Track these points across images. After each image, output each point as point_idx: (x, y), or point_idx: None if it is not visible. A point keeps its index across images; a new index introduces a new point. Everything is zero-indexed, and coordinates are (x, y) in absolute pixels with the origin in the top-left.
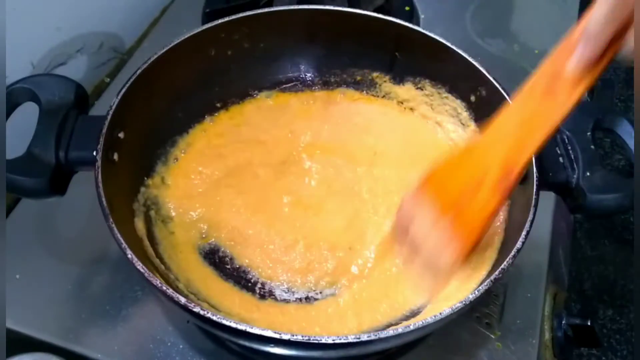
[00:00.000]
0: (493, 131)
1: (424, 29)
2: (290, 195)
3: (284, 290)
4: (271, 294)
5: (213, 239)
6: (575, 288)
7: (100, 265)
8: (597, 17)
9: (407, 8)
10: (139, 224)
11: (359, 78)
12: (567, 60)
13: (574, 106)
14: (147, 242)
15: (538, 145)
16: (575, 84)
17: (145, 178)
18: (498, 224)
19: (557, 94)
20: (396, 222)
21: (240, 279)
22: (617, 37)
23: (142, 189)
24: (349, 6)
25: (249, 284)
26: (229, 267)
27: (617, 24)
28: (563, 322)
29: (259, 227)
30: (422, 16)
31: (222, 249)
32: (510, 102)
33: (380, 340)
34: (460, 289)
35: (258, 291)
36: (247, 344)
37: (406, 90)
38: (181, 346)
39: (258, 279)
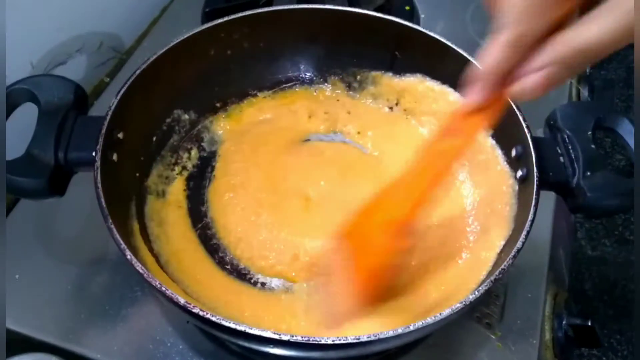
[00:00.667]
0: (401, 179)
1: (424, 28)
2: (294, 193)
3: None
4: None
5: (214, 239)
6: (576, 288)
7: (99, 265)
8: (490, 61)
9: (407, 7)
10: (136, 225)
11: (359, 77)
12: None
13: (475, 134)
14: (141, 239)
15: (441, 181)
16: (470, 121)
17: (145, 178)
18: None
19: (459, 133)
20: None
21: (241, 275)
22: (508, 80)
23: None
24: (349, 5)
25: (250, 281)
26: (228, 267)
27: (511, 64)
28: (563, 322)
29: (263, 229)
30: (422, 15)
31: (222, 248)
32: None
33: (379, 340)
34: (460, 289)
35: (258, 286)
36: (246, 344)
37: (405, 88)
38: (181, 346)
39: (258, 277)
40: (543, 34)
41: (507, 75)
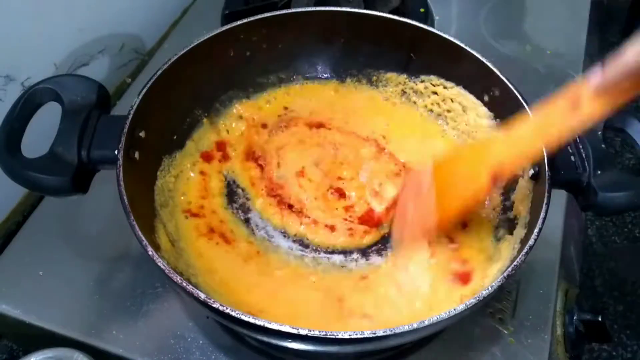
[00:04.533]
0: (506, 135)
1: (438, 31)
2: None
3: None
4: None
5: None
6: (587, 284)
7: (121, 262)
8: (626, 57)
9: (422, 10)
10: (158, 222)
11: (374, 78)
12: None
13: (588, 122)
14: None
15: (538, 152)
16: (594, 103)
17: (166, 175)
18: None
19: (577, 110)
20: (399, 192)
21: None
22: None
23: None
24: (365, 8)
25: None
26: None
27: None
28: (574, 317)
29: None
30: (436, 18)
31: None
32: (530, 109)
33: (395, 335)
34: (475, 285)
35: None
36: (265, 338)
37: (420, 89)
38: (201, 341)
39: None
40: None
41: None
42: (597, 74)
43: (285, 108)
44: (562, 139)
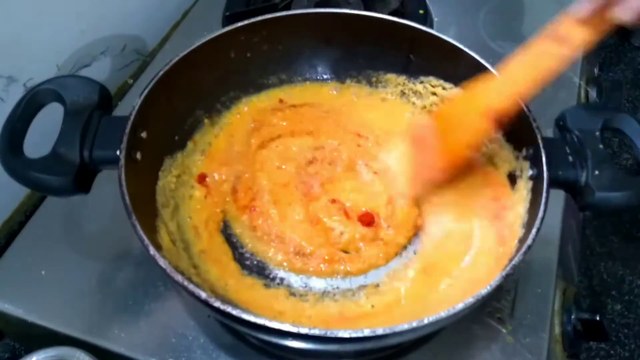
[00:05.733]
0: (498, 76)
1: (437, 32)
2: (316, 186)
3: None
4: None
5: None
6: (584, 284)
7: (123, 261)
8: None
9: (421, 11)
10: (159, 221)
11: (374, 79)
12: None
13: (574, 51)
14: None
15: (537, 87)
16: (578, 32)
17: (167, 176)
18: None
19: (565, 40)
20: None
21: (261, 272)
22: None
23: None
24: (365, 9)
25: (269, 279)
26: (248, 262)
27: None
28: (572, 316)
29: (281, 223)
30: (435, 19)
31: (242, 245)
32: (516, 54)
33: (395, 334)
34: (475, 283)
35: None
36: (265, 337)
37: (420, 90)
38: (202, 340)
39: (276, 273)
40: None
41: None
42: (580, 5)
43: (284, 106)
44: (552, 73)
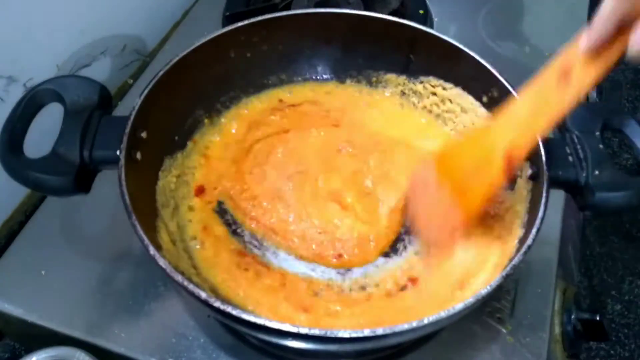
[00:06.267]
0: (506, 116)
1: (437, 32)
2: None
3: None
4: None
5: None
6: (584, 284)
7: (123, 261)
8: (605, 6)
9: (421, 11)
10: (160, 221)
11: (374, 79)
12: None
13: (584, 91)
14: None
15: (545, 128)
16: (586, 70)
17: (167, 175)
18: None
19: (570, 80)
20: (407, 192)
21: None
22: (625, 29)
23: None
24: (365, 9)
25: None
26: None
27: (622, 13)
28: (572, 316)
29: (279, 219)
30: (435, 19)
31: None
32: (523, 90)
33: (395, 334)
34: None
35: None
36: (265, 337)
37: (420, 90)
38: (202, 340)
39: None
40: None
41: (622, 25)
42: (584, 36)
43: (284, 106)
44: (558, 115)
